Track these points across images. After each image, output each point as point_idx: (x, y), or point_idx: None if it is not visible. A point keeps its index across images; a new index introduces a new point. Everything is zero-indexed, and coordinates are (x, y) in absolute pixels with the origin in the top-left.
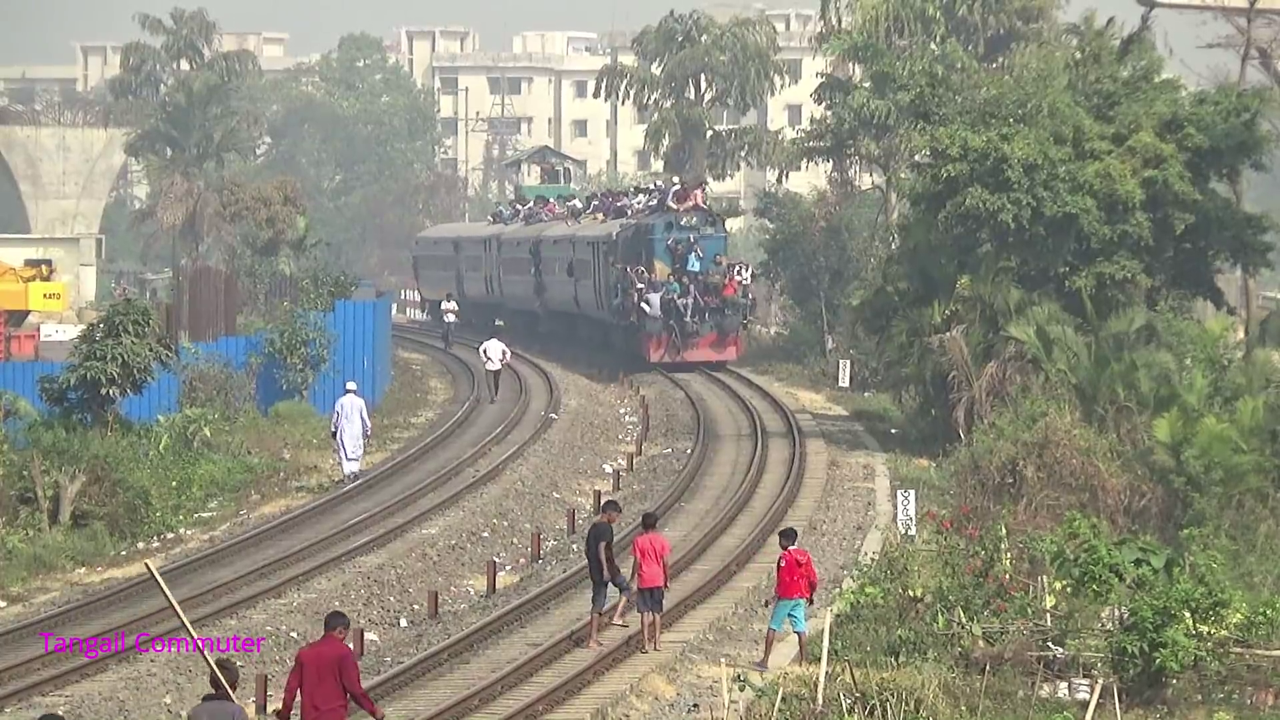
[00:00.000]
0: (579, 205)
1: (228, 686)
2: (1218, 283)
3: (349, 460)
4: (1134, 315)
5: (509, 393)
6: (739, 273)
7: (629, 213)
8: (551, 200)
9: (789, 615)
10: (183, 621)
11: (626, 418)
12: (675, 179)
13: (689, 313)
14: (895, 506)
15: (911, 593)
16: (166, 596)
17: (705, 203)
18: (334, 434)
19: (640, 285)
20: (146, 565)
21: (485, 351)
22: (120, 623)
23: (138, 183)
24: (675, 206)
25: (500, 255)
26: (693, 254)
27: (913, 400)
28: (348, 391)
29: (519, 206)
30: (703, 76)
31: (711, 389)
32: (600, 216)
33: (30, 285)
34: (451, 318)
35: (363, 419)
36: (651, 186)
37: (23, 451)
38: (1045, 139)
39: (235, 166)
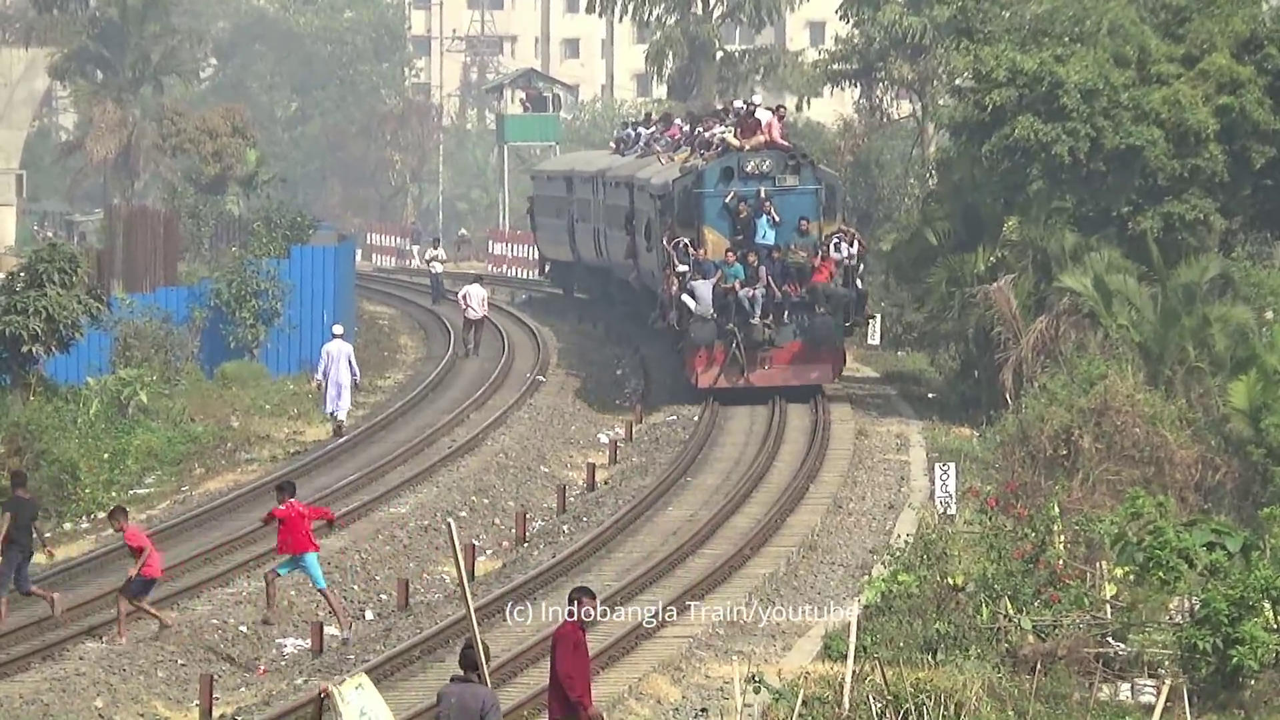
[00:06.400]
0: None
1: (483, 664)
2: None
3: (335, 411)
4: (1207, 263)
5: (490, 350)
6: (837, 247)
7: (710, 148)
8: (677, 121)
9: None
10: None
11: (625, 380)
12: (750, 101)
13: (758, 311)
14: (933, 482)
15: (951, 581)
16: (463, 586)
17: (786, 136)
18: (320, 384)
19: (683, 267)
20: (447, 522)
21: (466, 298)
22: (44, 615)
23: (64, 111)
24: (737, 143)
25: (605, 200)
26: (764, 218)
27: (953, 360)
28: (334, 336)
29: (640, 129)
30: None
31: None
32: (688, 152)
33: None
34: (439, 267)
35: (351, 366)
36: (743, 105)
37: None
38: (1105, 61)
39: (176, 92)
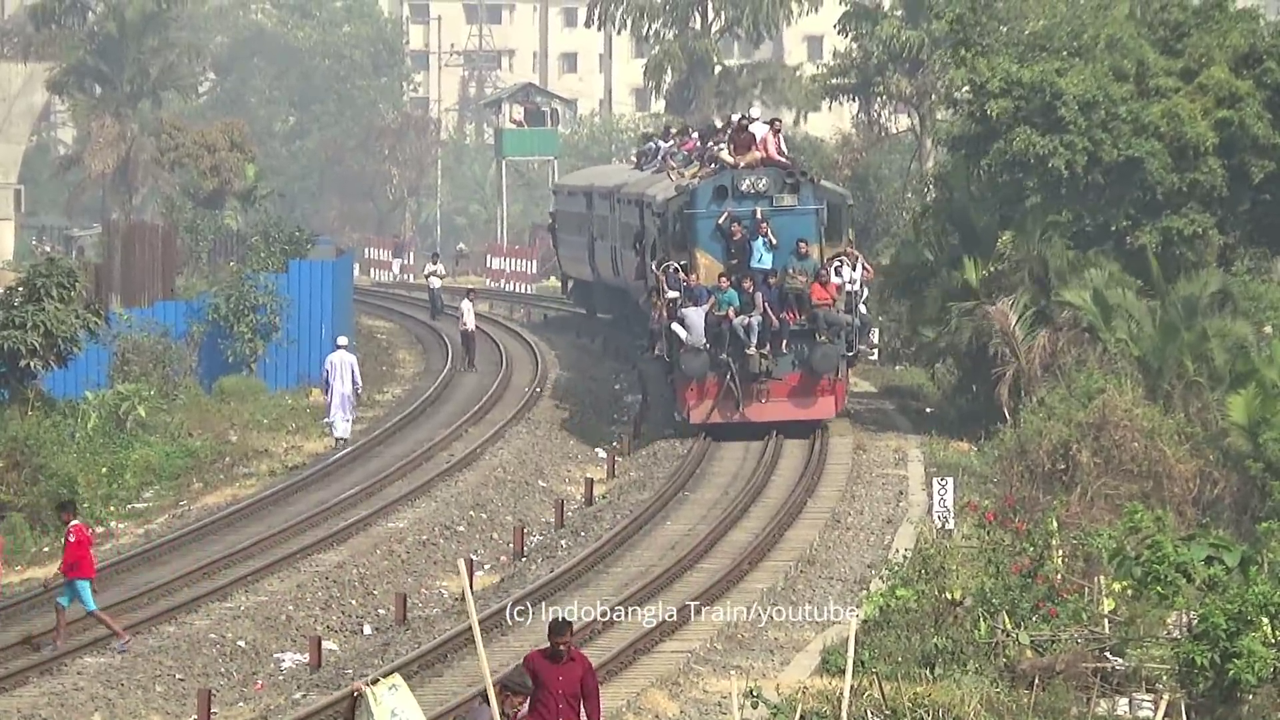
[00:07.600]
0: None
1: (494, 696)
2: None
3: (338, 423)
4: (1206, 277)
5: (488, 365)
6: (839, 271)
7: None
8: (693, 136)
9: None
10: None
11: (624, 395)
12: (746, 115)
13: (754, 340)
14: (930, 496)
15: (949, 595)
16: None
17: (785, 152)
18: (325, 392)
19: (672, 293)
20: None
21: (462, 313)
22: (44, 629)
23: (62, 125)
24: (732, 160)
25: (620, 218)
26: (760, 240)
27: (951, 375)
28: (337, 347)
29: (659, 142)
30: (710, 3)
31: None
32: (698, 167)
33: None
34: (437, 282)
35: (354, 377)
36: (737, 117)
37: None
38: (1104, 75)
39: (174, 106)
